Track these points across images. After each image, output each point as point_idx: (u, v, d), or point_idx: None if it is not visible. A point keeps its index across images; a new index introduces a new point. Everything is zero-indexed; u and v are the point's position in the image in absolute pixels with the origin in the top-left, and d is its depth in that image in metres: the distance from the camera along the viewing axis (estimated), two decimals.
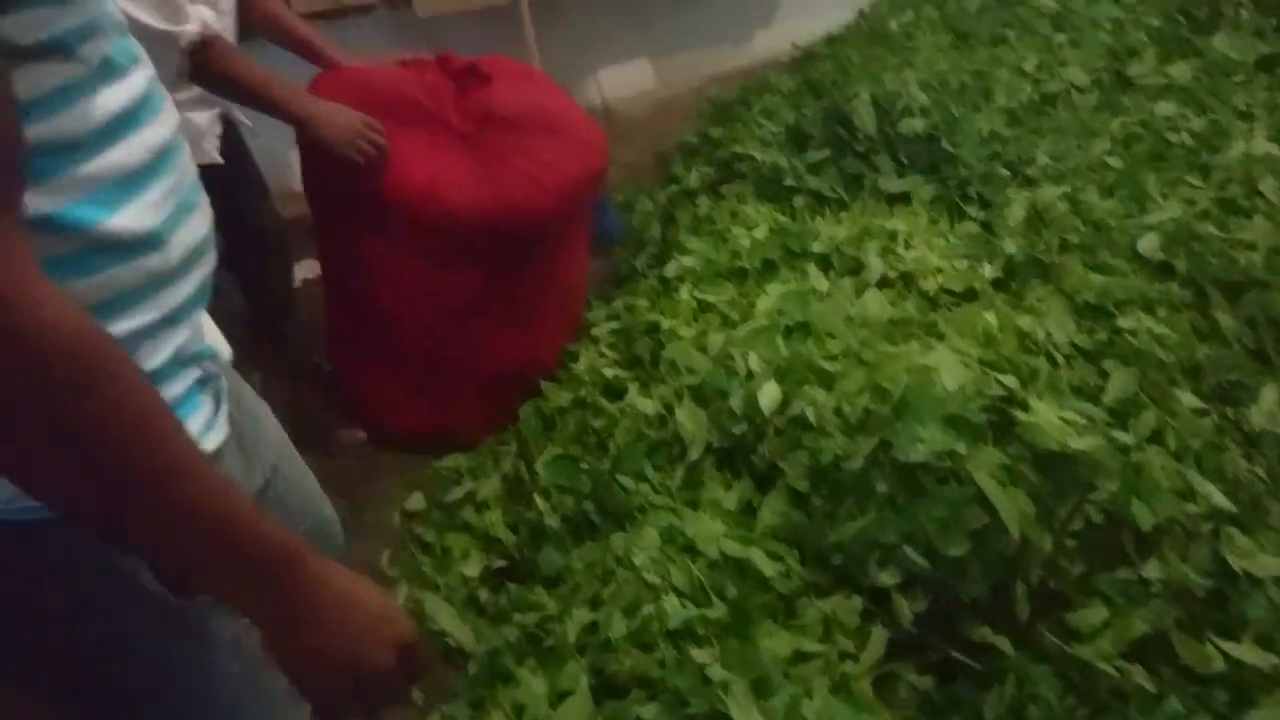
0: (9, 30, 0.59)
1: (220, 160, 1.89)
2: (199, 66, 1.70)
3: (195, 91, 1.80)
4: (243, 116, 2.00)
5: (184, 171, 0.80)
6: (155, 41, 1.56)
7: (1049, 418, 1.49)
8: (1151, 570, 1.46)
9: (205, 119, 1.89)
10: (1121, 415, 1.66)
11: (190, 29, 1.63)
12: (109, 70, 0.70)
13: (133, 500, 0.61)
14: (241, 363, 1.01)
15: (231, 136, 2.02)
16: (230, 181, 1.91)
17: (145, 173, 0.74)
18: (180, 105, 1.81)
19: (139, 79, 0.74)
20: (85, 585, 0.76)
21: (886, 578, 1.49)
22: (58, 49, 0.64)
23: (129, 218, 0.71)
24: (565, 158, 2.06)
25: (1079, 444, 1.47)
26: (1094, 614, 1.44)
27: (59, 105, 0.65)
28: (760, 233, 2.27)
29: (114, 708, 0.82)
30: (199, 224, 0.81)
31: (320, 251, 2.31)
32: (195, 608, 0.79)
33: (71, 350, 0.58)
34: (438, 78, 2.10)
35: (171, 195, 0.77)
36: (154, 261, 0.74)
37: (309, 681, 0.73)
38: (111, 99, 0.70)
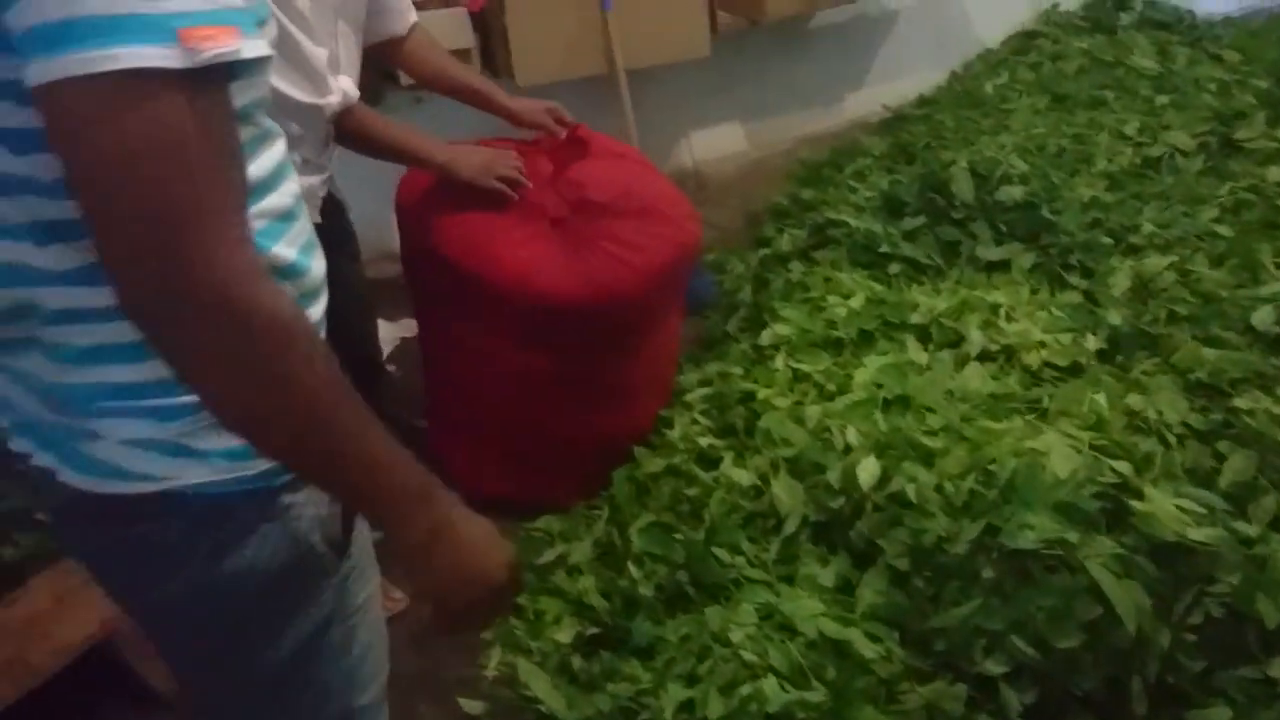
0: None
1: (320, 221, 1.97)
2: (342, 130, 1.82)
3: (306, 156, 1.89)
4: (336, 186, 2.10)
5: (308, 217, 0.96)
6: (303, 113, 1.68)
7: (1165, 506, 1.44)
8: (1278, 669, 1.39)
9: (314, 182, 1.97)
10: (1238, 500, 1.60)
11: (333, 100, 1.74)
12: (267, 135, 0.86)
13: (335, 447, 0.78)
14: None
15: (331, 201, 2.10)
16: (327, 244, 1.98)
17: (290, 215, 0.89)
18: (297, 168, 1.90)
19: (282, 143, 0.89)
20: (271, 546, 0.90)
21: (993, 666, 1.45)
22: (243, 117, 0.78)
23: (282, 249, 0.86)
24: (657, 239, 2.07)
25: (1197, 534, 1.42)
26: (1217, 714, 1.38)
27: (247, 156, 0.80)
28: (856, 302, 2.26)
29: (280, 648, 0.96)
30: (320, 261, 0.96)
31: (417, 321, 2.37)
32: (345, 571, 0.97)
33: (302, 332, 0.75)
34: (535, 159, 2.15)
35: (304, 234, 0.92)
36: (298, 286, 0.89)
37: (442, 592, 0.88)
38: (270, 157, 0.86)
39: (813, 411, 1.94)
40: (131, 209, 0.68)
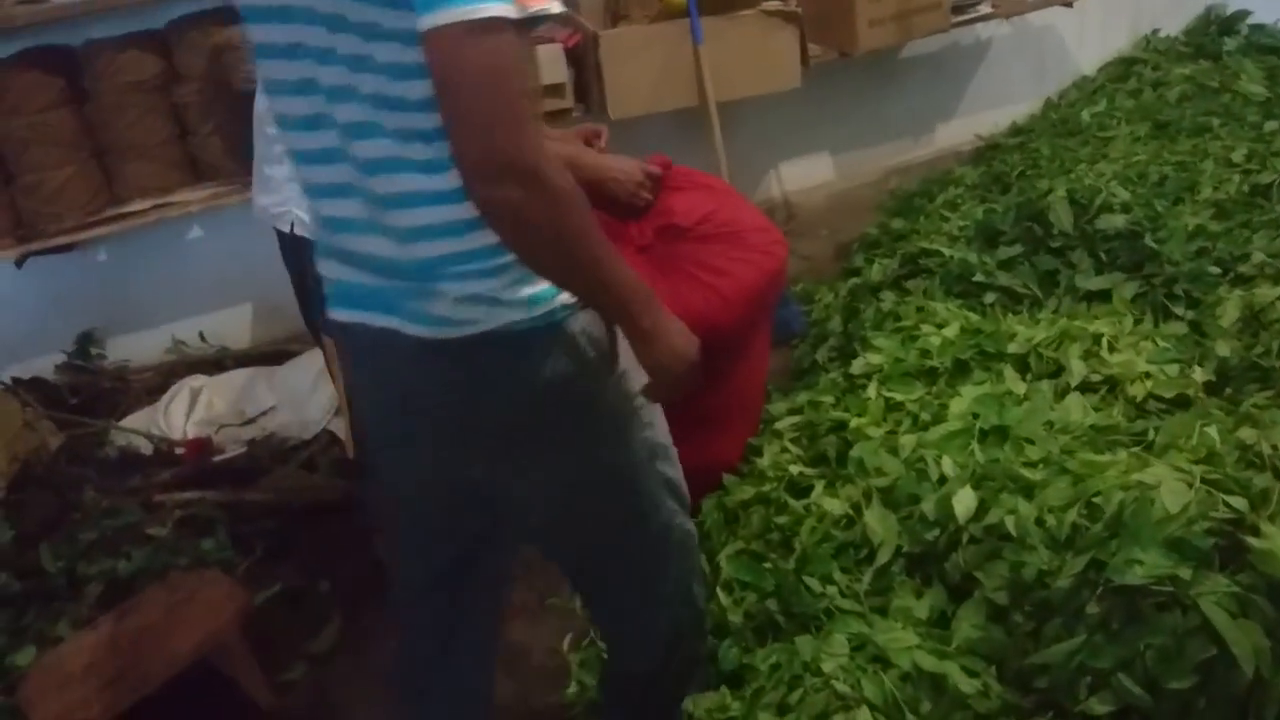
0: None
1: None
2: None
3: None
4: None
5: None
6: None
7: None
8: None
9: None
10: None
11: None
12: None
13: (604, 277, 1.15)
14: None
15: None
16: None
17: None
18: None
19: None
20: (565, 361, 1.22)
21: (1099, 705, 1.40)
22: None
23: None
24: (744, 265, 2.07)
25: None
26: None
27: None
28: (951, 331, 2.22)
29: (597, 424, 1.32)
30: None
31: None
32: (619, 373, 1.31)
33: (582, 200, 1.08)
34: None
35: None
36: None
37: (664, 369, 1.26)
38: None
39: (907, 441, 1.92)
40: (487, 107, 0.99)
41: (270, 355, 3.20)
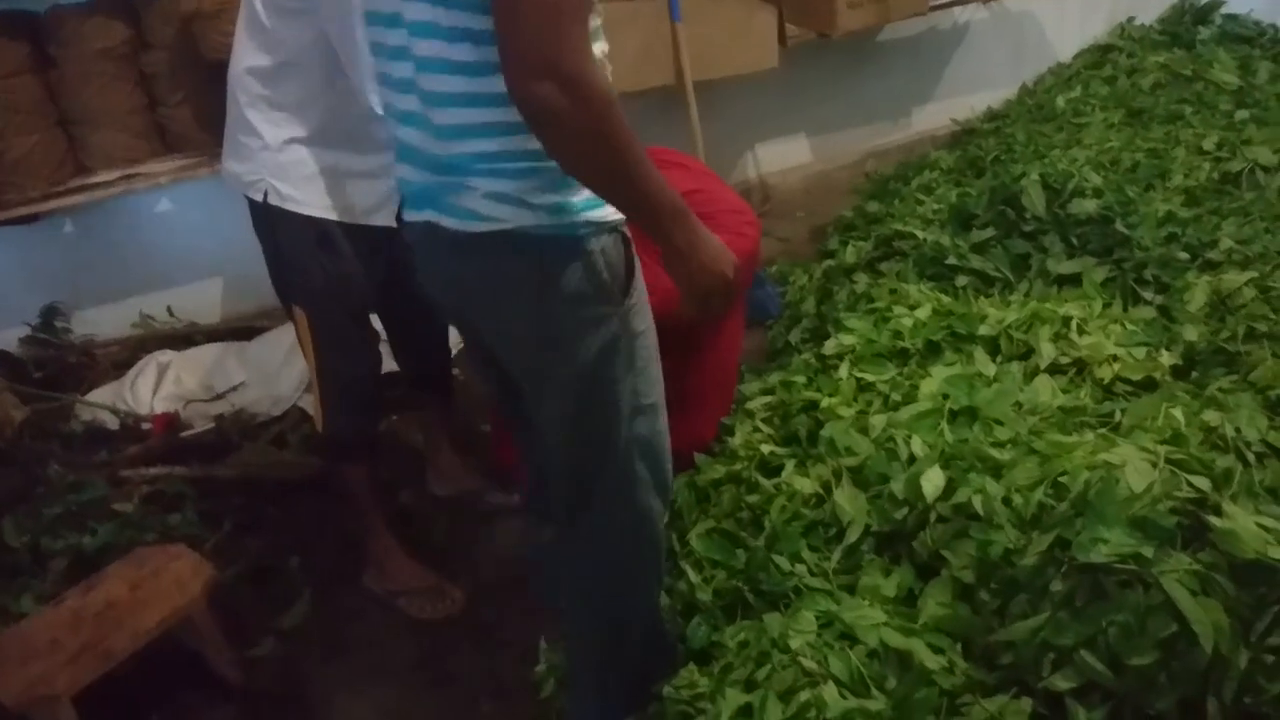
0: None
1: (395, 224, 1.99)
2: None
3: (385, 158, 1.91)
4: None
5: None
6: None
7: (1244, 524, 1.39)
8: None
9: (392, 185, 1.98)
10: None
11: None
12: None
13: (639, 185, 1.18)
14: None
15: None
16: (402, 248, 1.99)
17: (595, 35, 1.26)
18: (373, 172, 1.93)
19: None
20: (579, 278, 1.30)
21: (1061, 682, 1.41)
22: None
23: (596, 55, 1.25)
24: None
25: (1278, 553, 1.37)
26: None
27: None
28: (923, 313, 2.23)
29: (589, 348, 1.36)
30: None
31: None
32: (628, 306, 1.38)
33: (618, 105, 1.12)
34: None
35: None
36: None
37: (699, 283, 1.30)
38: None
39: (877, 421, 1.92)
40: (534, 12, 1.06)
41: (240, 331, 3.17)
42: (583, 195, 1.28)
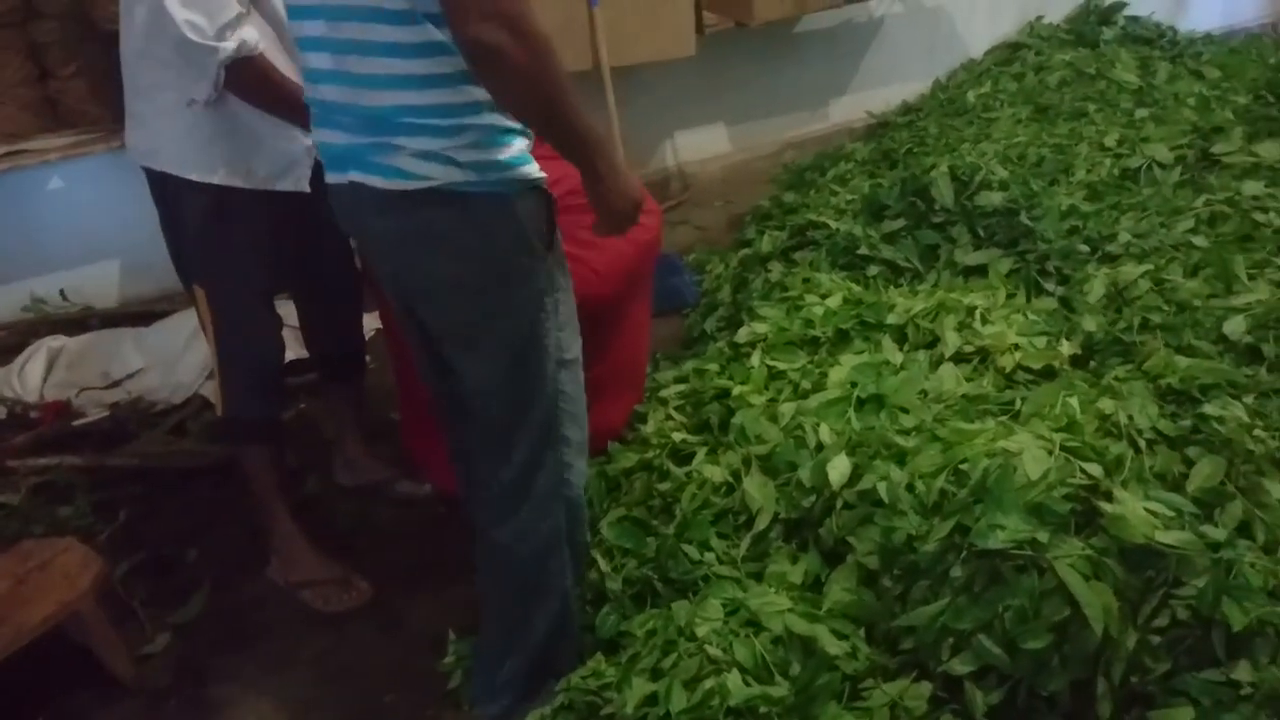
0: None
1: (308, 190, 1.91)
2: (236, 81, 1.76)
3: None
4: None
5: None
6: (196, 51, 1.69)
7: (1134, 509, 1.44)
8: (1242, 673, 1.39)
9: (301, 148, 1.90)
10: (1206, 505, 1.60)
11: (228, 45, 1.70)
12: None
13: (570, 122, 1.30)
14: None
15: (320, 170, 2.03)
16: (313, 214, 1.91)
17: None
18: (276, 134, 1.86)
19: None
20: (506, 235, 1.40)
21: (960, 665, 1.44)
22: None
23: None
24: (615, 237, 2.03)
25: (1166, 538, 1.42)
26: (1180, 715, 1.38)
27: None
28: (834, 302, 2.26)
29: (516, 299, 1.46)
30: None
31: (380, 317, 2.32)
32: (550, 263, 1.48)
33: (554, 49, 1.22)
34: None
35: None
36: None
37: (614, 206, 1.42)
38: None
39: (786, 409, 1.94)
40: None
41: (139, 315, 3.04)
42: (508, 153, 1.35)
